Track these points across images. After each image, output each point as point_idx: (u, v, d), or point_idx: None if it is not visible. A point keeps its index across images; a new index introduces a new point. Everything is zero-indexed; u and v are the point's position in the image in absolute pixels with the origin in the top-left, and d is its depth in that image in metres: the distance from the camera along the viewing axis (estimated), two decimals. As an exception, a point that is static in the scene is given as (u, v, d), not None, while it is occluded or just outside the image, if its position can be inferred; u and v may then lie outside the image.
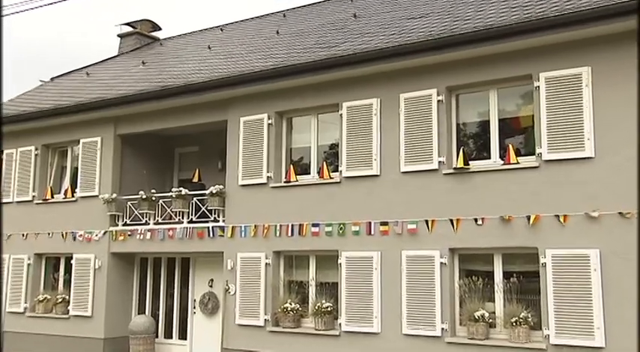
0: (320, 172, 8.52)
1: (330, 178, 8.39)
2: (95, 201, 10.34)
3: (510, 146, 7.30)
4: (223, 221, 9.21)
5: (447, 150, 7.62)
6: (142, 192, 9.94)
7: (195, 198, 9.57)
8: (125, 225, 10.20)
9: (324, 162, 8.53)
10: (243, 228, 8.94)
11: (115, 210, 10.16)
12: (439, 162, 7.59)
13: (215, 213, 9.32)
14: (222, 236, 9.14)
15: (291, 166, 8.81)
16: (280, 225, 8.59)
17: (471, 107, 7.83)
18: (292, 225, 8.50)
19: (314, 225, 8.31)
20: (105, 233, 10.26)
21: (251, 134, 9.07)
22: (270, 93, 8.98)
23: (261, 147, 8.95)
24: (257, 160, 8.96)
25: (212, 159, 10.50)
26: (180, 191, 9.60)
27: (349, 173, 8.18)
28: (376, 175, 7.98)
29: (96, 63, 14.30)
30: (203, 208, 9.45)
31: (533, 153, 7.21)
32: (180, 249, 9.66)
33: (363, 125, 8.16)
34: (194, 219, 9.57)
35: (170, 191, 9.90)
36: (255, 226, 8.80)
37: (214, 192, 9.16)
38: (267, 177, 8.84)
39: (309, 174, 8.78)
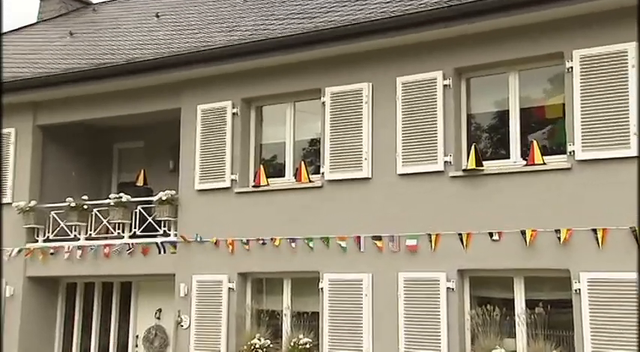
0: (297, 174, 8.47)
1: (310, 182, 8.33)
2: (7, 211, 9.99)
3: (535, 142, 7.20)
4: (175, 235, 9.16)
5: (455, 147, 7.54)
6: (69, 199, 9.72)
7: (139, 207, 9.52)
8: (47, 240, 9.94)
9: (303, 162, 8.46)
10: (200, 244, 8.80)
11: (33, 221, 9.87)
12: (445, 162, 7.50)
13: (165, 225, 9.28)
14: (174, 254, 9.05)
15: (262, 167, 8.74)
16: (248, 240, 8.51)
17: (485, 94, 7.80)
18: (262, 240, 8.41)
19: (290, 240, 8.22)
20: (20, 251, 9.97)
21: (211, 126, 8.99)
22: (235, 76, 8.89)
23: (223, 142, 8.87)
24: (218, 159, 8.87)
25: (161, 158, 10.37)
26: (121, 198, 9.54)
27: (333, 175, 8.11)
28: (367, 178, 7.91)
29: (7, 32, 13.57)
30: (150, 219, 9.41)
31: (563, 152, 7.14)
32: (120, 271, 9.54)
33: (351, 116, 8.09)
34: (138, 233, 9.51)
35: (107, 198, 9.77)
36: (216, 241, 8.70)
37: (164, 198, 9.11)
38: (232, 180, 8.78)
39: (284, 176, 8.73)
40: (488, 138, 7.78)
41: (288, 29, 8.38)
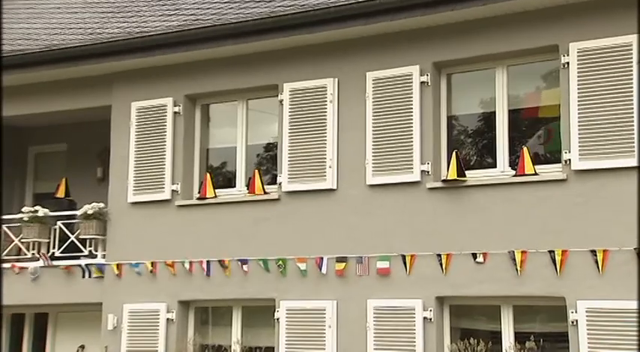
0: (250, 185, 8.43)
1: (265, 194, 8.30)
2: None
3: (525, 149, 7.20)
4: (103, 256, 9.07)
5: (433, 154, 7.55)
6: (-31, 213, 9.48)
7: (59, 223, 9.38)
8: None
9: (257, 171, 8.43)
10: (133, 267, 8.72)
11: None
12: (422, 171, 7.49)
13: (91, 245, 9.18)
14: (101, 278, 8.93)
15: (208, 176, 8.66)
16: (191, 262, 8.40)
17: (469, 92, 7.83)
18: (208, 262, 8.33)
19: (240, 262, 8.16)
20: None
21: (148, 128, 8.92)
22: (177, 68, 8.84)
23: (163, 147, 8.81)
24: (157, 166, 8.82)
25: (87, 164, 10.26)
26: (37, 211, 9.38)
27: (292, 186, 8.06)
28: (332, 190, 7.89)
29: None
30: (72, 237, 9.27)
31: (558, 160, 7.16)
32: (34, 300, 9.38)
33: (314, 117, 8.05)
34: (58, 254, 9.36)
35: (20, 212, 9.53)
36: (153, 264, 8.59)
37: (90, 213, 9.02)
38: (172, 191, 8.71)
39: (234, 187, 8.71)
40: (472, 144, 7.84)
41: (239, 14, 8.31)
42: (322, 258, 7.74)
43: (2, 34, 9.55)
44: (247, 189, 8.43)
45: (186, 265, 8.37)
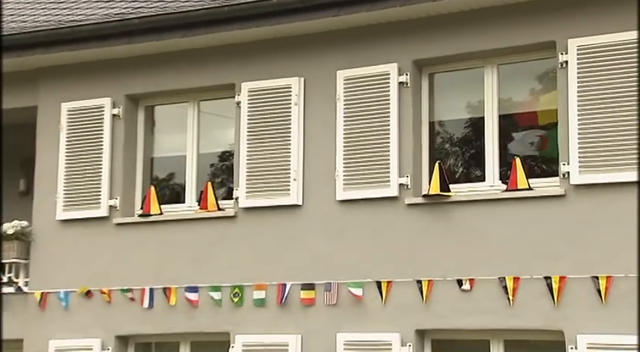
0: (202, 200, 8.42)
1: (219, 210, 8.30)
2: None
3: (518, 161, 7.20)
4: (26, 283, 8.93)
5: (413, 165, 7.58)
6: None
7: None
8: None
9: (210, 184, 8.41)
10: (62, 296, 8.63)
11: None
12: (401, 185, 7.49)
13: (11, 270, 9.04)
14: (23, 309, 8.80)
15: (152, 189, 8.63)
16: (131, 290, 8.35)
17: (454, 95, 7.90)
18: (152, 290, 8.29)
19: (189, 290, 8.11)
20: None
21: (81, 133, 8.89)
22: (116, 64, 8.81)
23: (99, 155, 8.78)
24: (91, 178, 8.80)
25: (8, 176, 9.94)
26: None
27: (251, 202, 8.07)
28: (296, 206, 7.90)
29: None
30: None
31: (555, 173, 7.19)
32: None
33: (276, 121, 8.07)
34: None
35: None
36: (87, 292, 8.50)
37: (11, 232, 8.93)
38: (110, 206, 8.68)
39: (184, 202, 8.72)
40: (458, 154, 7.91)
41: (189, 2, 8.27)
42: (285, 285, 7.73)
43: None
44: (198, 204, 8.42)
45: (126, 293, 8.27)
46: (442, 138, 7.87)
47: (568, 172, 6.90)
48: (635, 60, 6.79)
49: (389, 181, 7.48)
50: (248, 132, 8.10)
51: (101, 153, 8.68)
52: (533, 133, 7.56)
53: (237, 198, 8.08)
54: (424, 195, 7.40)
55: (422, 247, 7.35)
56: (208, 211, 8.24)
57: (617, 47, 6.84)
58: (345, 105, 7.74)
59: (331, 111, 7.81)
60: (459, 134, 7.86)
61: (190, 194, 8.61)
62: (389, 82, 7.61)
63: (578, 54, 6.97)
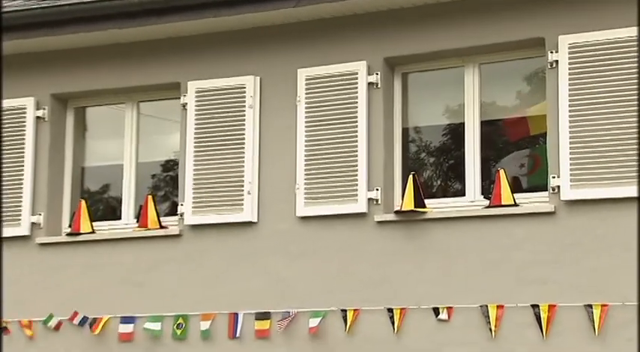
0: (141, 216, 8.36)
1: (162, 228, 8.25)
2: None
3: (502, 173, 7.21)
4: None
5: (384, 177, 7.59)
6: None
7: None
8: None
9: (150, 197, 8.35)
10: None
11: None
12: (370, 200, 7.49)
13: None
14: None
15: (83, 203, 8.54)
16: (59, 322, 8.24)
17: (430, 98, 7.94)
18: (83, 319, 8.16)
19: (125, 320, 8.00)
20: None
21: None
22: (40, 59, 8.70)
23: (19, 164, 8.69)
24: (11, 190, 8.68)
25: None
26: None
27: (198, 218, 8.03)
28: (251, 223, 7.88)
29: None
30: None
31: (544, 188, 7.20)
32: None
33: (228, 126, 8.07)
34: None
35: None
36: (4, 329, 8.35)
37: None
38: (33, 224, 8.57)
39: (120, 219, 8.66)
40: (435, 165, 8.00)
41: None
42: (237, 314, 7.70)
43: None
44: (137, 221, 8.37)
45: (51, 324, 8.17)
46: (417, 147, 7.94)
47: (558, 186, 6.90)
48: (635, 60, 6.81)
49: (356, 195, 7.49)
50: (195, 138, 8.08)
51: (22, 162, 8.58)
52: (522, 154, 7.66)
53: (182, 214, 8.05)
54: (396, 212, 7.40)
55: (393, 270, 7.34)
56: (148, 229, 8.20)
57: (615, 45, 6.85)
58: (307, 108, 7.75)
59: (291, 115, 7.82)
60: (436, 142, 7.92)
61: (127, 209, 8.57)
62: (357, 83, 7.62)
63: (569, 52, 6.98)
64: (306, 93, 7.77)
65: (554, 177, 6.96)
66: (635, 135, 6.78)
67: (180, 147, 8.20)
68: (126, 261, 8.18)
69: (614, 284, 6.66)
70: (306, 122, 7.74)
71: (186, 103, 8.13)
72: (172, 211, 8.35)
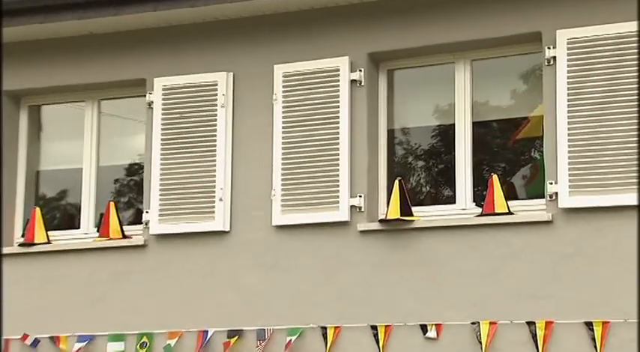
0: (102, 225, 8.38)
1: (125, 238, 8.26)
2: None
3: (495, 178, 7.22)
4: None
5: (368, 183, 7.61)
6: None
7: None
8: None
9: (112, 204, 8.36)
10: None
11: None
12: (352, 207, 7.52)
13: None
14: None
15: (38, 211, 8.55)
16: (7, 341, 8.16)
17: (418, 96, 7.98)
18: (36, 341, 8.14)
19: (81, 339, 8.05)
20: None
21: None
22: None
23: None
24: None
25: None
26: None
27: (165, 227, 8.06)
28: (223, 232, 7.88)
29: None
30: None
31: (540, 195, 7.23)
32: None
33: (198, 127, 8.09)
34: None
35: None
36: None
37: None
38: None
39: (78, 228, 8.66)
40: (423, 170, 8.01)
41: None
42: (206, 332, 7.68)
43: None
44: (97, 231, 8.37)
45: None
46: (404, 150, 7.95)
47: (556, 193, 6.90)
48: (638, 56, 6.83)
49: (337, 202, 7.49)
50: (162, 139, 8.08)
51: (-28, 165, 8.46)
52: (516, 147, 7.69)
53: (147, 223, 8.06)
54: (381, 220, 7.41)
55: (378, 284, 7.34)
56: (110, 239, 8.20)
57: (617, 41, 6.87)
58: (284, 107, 7.76)
59: (267, 114, 7.83)
60: (424, 145, 7.93)
61: (87, 217, 8.55)
62: (338, 80, 7.64)
63: (568, 48, 6.99)
64: (284, 92, 7.77)
65: (551, 183, 6.95)
66: (637, 139, 6.77)
67: (146, 149, 8.19)
68: (85, 274, 8.14)
69: (616, 300, 6.65)
70: (283, 122, 7.73)
71: (152, 102, 8.12)
72: (136, 219, 8.33)
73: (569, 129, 6.94)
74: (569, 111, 6.96)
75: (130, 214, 8.58)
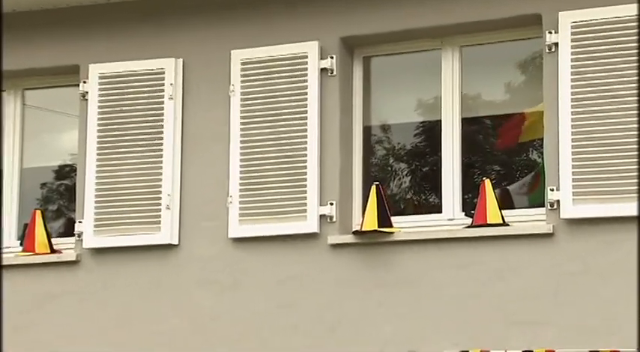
0: (26, 237, 8.35)
1: (54, 252, 8.24)
2: None
3: (487, 184, 7.25)
4: None
5: (340, 188, 7.60)
6: None
7: None
8: None
9: (38, 213, 8.35)
10: None
11: None
12: (322, 217, 7.52)
13: None
14: None
15: None
16: None
17: (398, 88, 7.99)
18: None
19: None
20: None
21: None
22: None
23: None
24: None
25: None
26: None
27: (102, 240, 8.05)
28: (170, 246, 7.88)
29: None
30: None
31: (540, 203, 7.24)
32: None
33: (141, 122, 8.09)
34: None
35: None
36: None
37: None
38: None
39: None
40: (404, 174, 8.01)
41: None
42: None
43: None
44: (21, 244, 8.35)
45: None
46: (383, 150, 7.99)
47: (558, 201, 6.89)
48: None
49: (305, 211, 7.51)
50: (99, 137, 8.07)
51: None
52: (509, 149, 7.76)
53: (80, 235, 8.03)
54: (355, 232, 7.40)
55: (351, 307, 7.34)
56: (36, 254, 8.16)
57: (628, 24, 6.85)
58: (242, 100, 7.77)
59: (223, 108, 7.83)
60: (406, 144, 7.96)
61: (8, 229, 8.54)
62: (306, 69, 7.65)
63: (572, 33, 6.98)
64: (242, 82, 7.78)
65: (552, 190, 6.92)
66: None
67: (79, 148, 8.18)
68: (5, 296, 7.83)
69: (627, 326, 6.62)
70: (241, 118, 7.73)
71: (87, 92, 8.12)
72: (68, 231, 8.31)
73: (572, 126, 6.91)
74: (572, 106, 6.94)
75: (59, 225, 8.60)
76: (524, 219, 7.24)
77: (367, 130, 7.87)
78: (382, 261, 7.38)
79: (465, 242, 7.20)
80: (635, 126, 6.88)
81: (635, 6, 6.99)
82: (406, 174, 8.00)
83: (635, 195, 6.81)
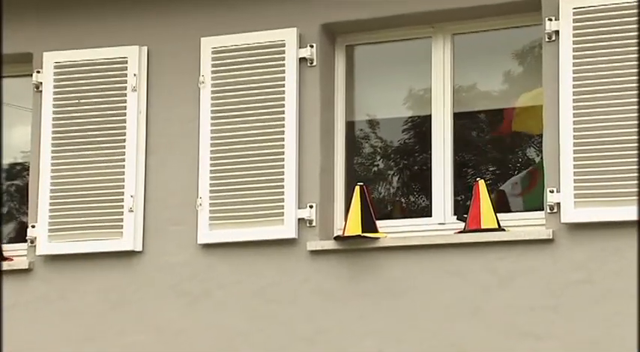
0: None
1: (2, 260, 8.24)
2: None
3: (482, 185, 7.34)
4: None
5: (320, 190, 7.68)
6: None
7: None
8: None
9: None
10: None
11: None
12: (300, 221, 7.60)
13: None
14: None
15: None
16: None
17: (385, 80, 8.04)
18: None
19: None
20: None
21: None
22: None
23: None
24: None
25: None
26: None
27: (57, 246, 8.08)
28: (133, 252, 7.94)
29: None
30: None
31: (539, 207, 7.29)
32: None
33: (101, 115, 8.12)
34: None
35: None
36: None
37: None
38: None
39: None
40: (391, 174, 8.07)
41: None
42: None
43: None
44: None
45: None
46: (368, 148, 8.03)
47: (558, 204, 6.96)
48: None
49: (282, 215, 7.57)
50: (54, 132, 8.13)
51: None
52: (511, 144, 7.83)
53: (33, 241, 8.08)
54: (337, 238, 7.47)
55: (332, 319, 7.38)
56: (-15, 261, 7.90)
57: (635, 11, 6.90)
58: (213, 92, 7.84)
59: (192, 101, 7.90)
60: (393, 141, 8.03)
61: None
62: (284, 58, 7.72)
63: (575, 20, 7.03)
64: (213, 73, 7.85)
65: (552, 192, 6.99)
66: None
67: (32, 144, 8.25)
68: None
69: (633, 339, 6.67)
70: (212, 112, 7.80)
71: (41, 83, 8.19)
72: (19, 236, 8.36)
73: (574, 122, 6.96)
74: (574, 100, 6.99)
75: (10, 229, 8.63)
76: (522, 224, 7.28)
77: (350, 126, 7.91)
78: (366, 269, 7.40)
79: (457, 248, 7.22)
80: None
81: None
82: (393, 174, 8.06)
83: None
